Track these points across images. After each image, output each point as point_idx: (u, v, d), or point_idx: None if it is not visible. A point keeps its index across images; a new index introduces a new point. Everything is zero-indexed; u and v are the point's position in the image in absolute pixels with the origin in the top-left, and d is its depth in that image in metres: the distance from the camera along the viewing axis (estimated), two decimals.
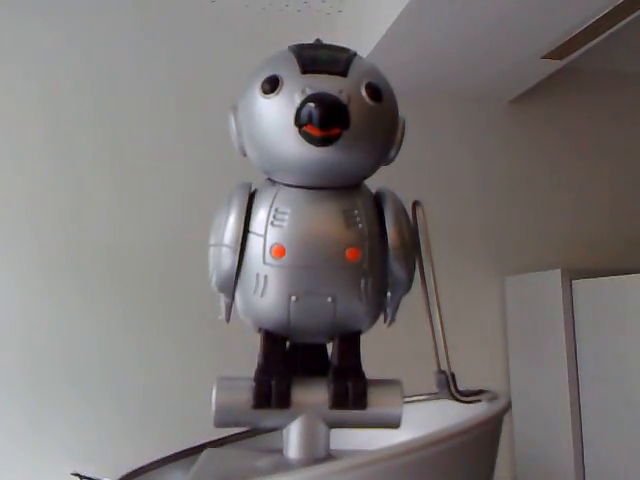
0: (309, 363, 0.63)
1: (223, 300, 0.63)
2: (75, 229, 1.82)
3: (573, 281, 1.80)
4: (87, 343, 1.78)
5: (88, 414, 1.75)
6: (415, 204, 0.61)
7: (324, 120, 0.51)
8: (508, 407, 0.58)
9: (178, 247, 1.82)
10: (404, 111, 0.60)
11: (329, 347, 0.63)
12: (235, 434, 0.73)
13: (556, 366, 1.81)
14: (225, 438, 0.73)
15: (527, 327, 1.99)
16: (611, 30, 1.61)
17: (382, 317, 0.64)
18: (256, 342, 0.59)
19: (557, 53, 1.74)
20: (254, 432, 0.73)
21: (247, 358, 0.62)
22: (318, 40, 0.60)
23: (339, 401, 0.57)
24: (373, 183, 0.61)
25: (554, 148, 2.19)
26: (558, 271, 1.82)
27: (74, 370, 1.76)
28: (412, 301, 0.63)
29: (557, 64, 1.84)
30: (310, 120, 0.51)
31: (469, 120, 2.14)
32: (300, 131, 0.52)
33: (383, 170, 0.60)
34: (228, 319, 0.64)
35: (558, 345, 1.80)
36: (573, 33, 1.62)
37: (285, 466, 0.57)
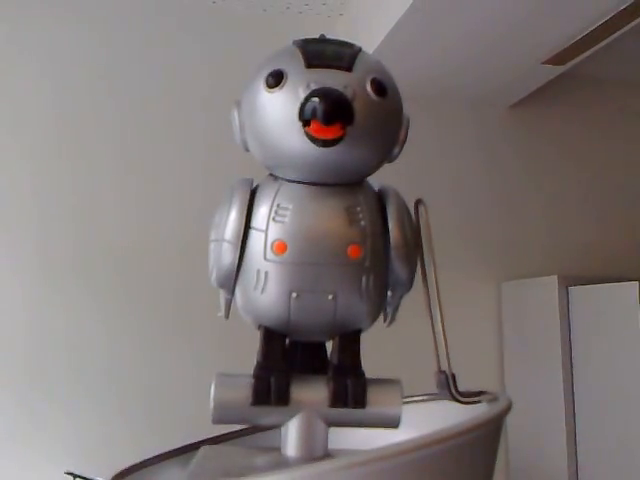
0: (308, 361, 0.62)
1: (223, 296, 0.62)
2: (83, 229, 1.83)
3: (569, 288, 1.81)
4: (91, 342, 1.79)
5: (90, 413, 1.75)
6: (418, 202, 0.61)
7: (328, 115, 0.51)
8: (509, 408, 0.57)
9: (183, 248, 1.81)
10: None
11: (329, 345, 0.62)
12: (233, 432, 0.72)
13: (551, 372, 1.80)
14: (222, 435, 0.72)
15: (523, 333, 1.99)
16: (612, 37, 1.61)
17: (382, 317, 0.63)
18: (256, 339, 0.59)
19: (558, 59, 1.75)
20: (252, 430, 0.72)
21: (247, 356, 0.62)
22: (323, 35, 0.59)
23: (338, 400, 0.57)
24: (373, 183, 0.61)
25: (553, 154, 2.20)
26: (554, 277, 1.82)
27: (77, 369, 1.77)
28: (413, 300, 0.63)
29: (558, 70, 1.84)
30: (314, 115, 0.51)
31: (469, 125, 2.14)
32: (304, 130, 0.52)
33: (379, 172, 0.60)
34: (227, 316, 0.64)
35: (554, 351, 1.80)
36: (574, 39, 1.62)
37: (283, 464, 0.57)
